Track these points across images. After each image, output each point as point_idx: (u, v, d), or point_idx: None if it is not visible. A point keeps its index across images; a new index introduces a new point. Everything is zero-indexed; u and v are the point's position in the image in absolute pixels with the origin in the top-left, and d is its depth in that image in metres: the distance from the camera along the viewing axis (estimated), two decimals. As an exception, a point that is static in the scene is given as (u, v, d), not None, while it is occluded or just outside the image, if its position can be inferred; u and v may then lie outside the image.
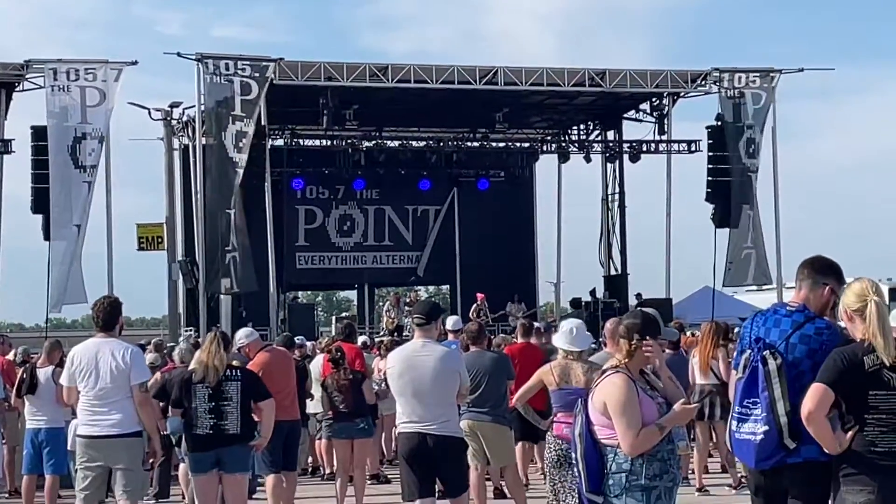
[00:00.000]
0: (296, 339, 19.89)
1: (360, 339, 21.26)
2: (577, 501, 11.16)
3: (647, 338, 7.70)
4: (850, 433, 6.88)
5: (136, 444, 11.69)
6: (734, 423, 7.44)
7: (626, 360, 7.70)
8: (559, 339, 11.91)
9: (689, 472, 16.52)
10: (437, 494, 11.39)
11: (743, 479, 14.89)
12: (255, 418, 12.21)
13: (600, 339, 17.62)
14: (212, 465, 11.92)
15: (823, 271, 7.67)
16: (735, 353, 7.87)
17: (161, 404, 13.96)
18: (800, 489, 7.44)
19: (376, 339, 25.57)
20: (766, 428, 7.27)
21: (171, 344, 22.51)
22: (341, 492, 16.00)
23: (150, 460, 12.18)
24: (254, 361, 14.68)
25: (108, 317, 11.78)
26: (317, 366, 18.12)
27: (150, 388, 12.95)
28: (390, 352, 12.08)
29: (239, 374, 12.09)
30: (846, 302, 7.10)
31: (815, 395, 6.85)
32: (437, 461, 10.90)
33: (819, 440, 6.89)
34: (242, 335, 15.65)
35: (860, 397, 6.84)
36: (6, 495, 18.07)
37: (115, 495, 11.97)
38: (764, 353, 7.34)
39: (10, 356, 19.76)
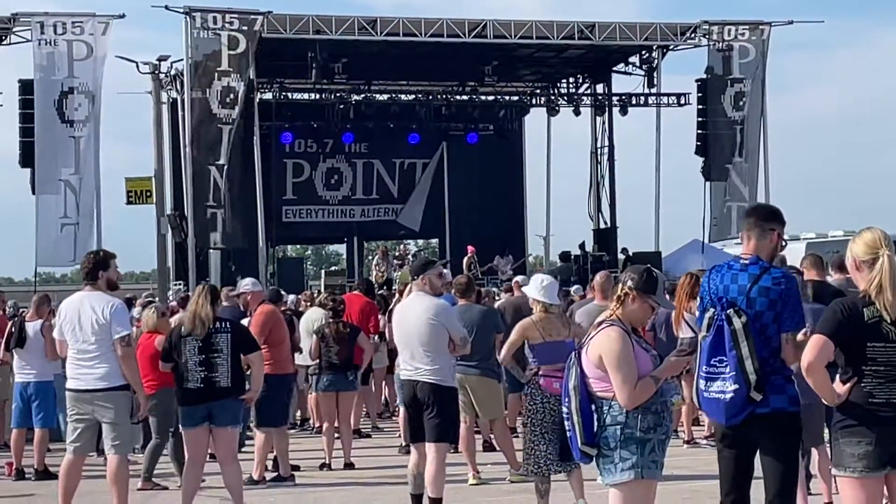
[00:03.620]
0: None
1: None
2: (554, 451, 11.32)
3: (641, 292, 7.73)
4: (847, 384, 6.89)
5: (121, 397, 11.72)
6: (702, 382, 7.50)
7: (619, 309, 7.73)
8: (533, 291, 12.10)
9: (679, 425, 16.59)
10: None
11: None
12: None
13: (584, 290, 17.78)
14: (202, 419, 11.94)
15: (768, 218, 7.86)
16: (697, 311, 7.93)
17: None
18: (769, 440, 7.52)
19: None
20: (736, 386, 7.36)
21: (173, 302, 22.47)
22: (328, 445, 16.08)
23: (138, 413, 12.19)
24: (258, 313, 14.79)
25: (91, 268, 11.81)
26: (307, 319, 18.15)
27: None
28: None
29: (228, 326, 12.12)
30: (855, 251, 7.05)
31: (814, 346, 6.86)
32: (423, 406, 11.48)
33: (818, 391, 6.92)
34: (248, 283, 15.75)
35: (859, 349, 6.85)
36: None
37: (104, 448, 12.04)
38: (728, 311, 7.41)
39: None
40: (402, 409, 17.27)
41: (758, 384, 7.34)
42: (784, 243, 7.87)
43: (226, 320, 12.31)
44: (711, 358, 7.45)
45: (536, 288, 12.01)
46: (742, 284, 7.57)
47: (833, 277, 13.37)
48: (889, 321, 6.80)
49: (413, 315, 11.57)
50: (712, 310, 7.55)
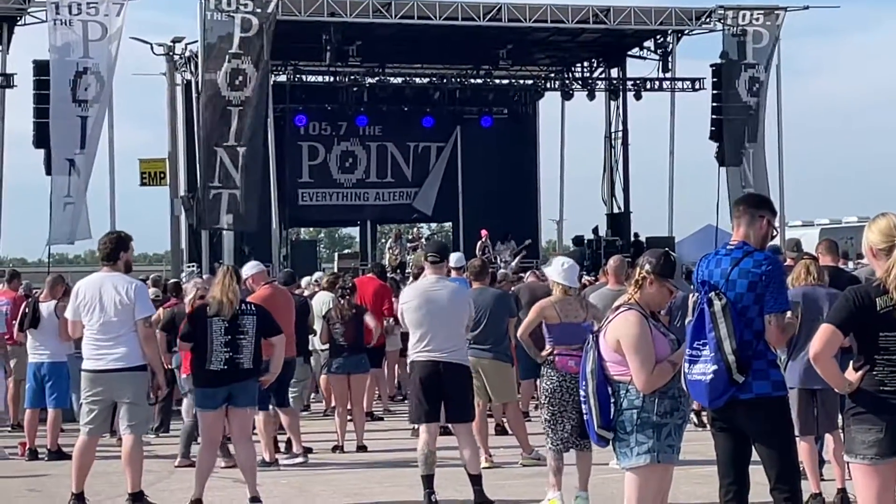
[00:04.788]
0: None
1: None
2: (576, 428, 11.34)
3: (659, 276, 7.73)
4: (859, 373, 6.86)
5: (140, 377, 11.75)
6: (686, 365, 7.52)
7: (637, 293, 7.72)
8: (553, 273, 12.15)
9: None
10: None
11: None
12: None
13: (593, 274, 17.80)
14: (223, 401, 11.90)
15: (758, 205, 7.92)
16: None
17: (168, 338, 14.02)
18: (754, 426, 7.53)
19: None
20: (715, 367, 7.38)
21: (174, 279, 22.49)
22: (341, 427, 16.11)
23: (156, 394, 12.22)
24: (256, 294, 14.71)
25: (111, 250, 11.82)
26: (318, 301, 18.16)
27: (156, 322, 13.01)
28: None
29: (254, 308, 12.10)
30: (872, 239, 7.01)
31: (822, 336, 6.83)
32: (445, 387, 11.72)
33: (827, 380, 6.91)
34: (250, 266, 15.74)
35: (871, 338, 6.82)
36: (9, 429, 18.17)
37: (119, 429, 12.07)
38: (709, 294, 7.43)
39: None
40: (415, 390, 17.31)
41: (740, 365, 7.35)
42: (775, 231, 7.90)
43: (251, 303, 12.32)
44: (694, 341, 7.50)
45: (557, 270, 12.05)
46: (724, 268, 7.63)
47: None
48: None
49: (441, 298, 11.84)
50: (696, 294, 7.59)
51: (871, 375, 6.84)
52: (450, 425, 12.37)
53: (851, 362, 6.93)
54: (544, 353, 11.83)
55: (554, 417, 11.68)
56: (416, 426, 16.86)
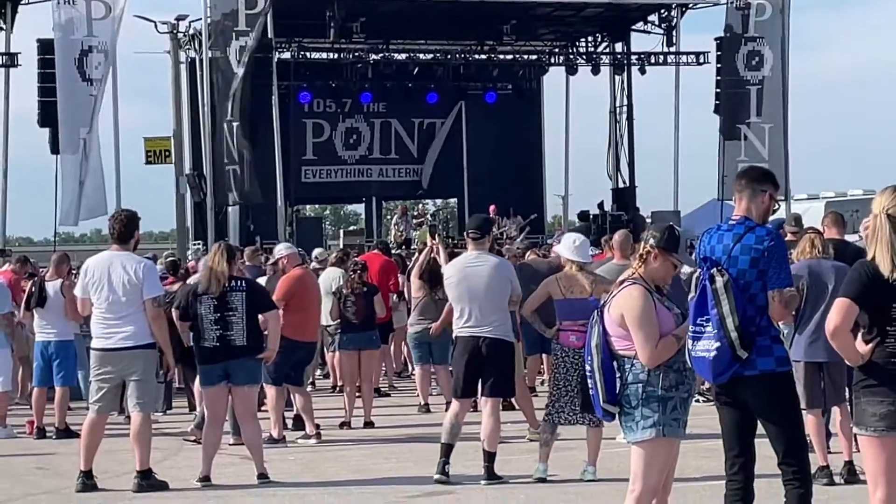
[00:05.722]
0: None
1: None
2: (574, 403, 11.40)
3: (663, 250, 7.72)
4: (870, 345, 6.85)
5: (149, 356, 11.79)
6: (689, 341, 7.51)
7: (641, 267, 7.72)
8: (563, 250, 12.19)
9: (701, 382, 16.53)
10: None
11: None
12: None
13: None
14: (220, 378, 11.99)
15: (760, 179, 7.84)
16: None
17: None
18: (759, 402, 7.53)
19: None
20: (718, 344, 7.37)
21: (172, 258, 22.47)
22: (350, 404, 16.13)
23: (165, 372, 12.26)
24: (287, 275, 14.78)
25: (124, 230, 11.85)
26: (325, 279, 18.15)
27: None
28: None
29: (244, 284, 12.13)
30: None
31: (840, 310, 6.81)
32: (486, 361, 11.74)
33: (842, 354, 6.89)
34: (283, 247, 15.77)
35: (883, 310, 6.81)
36: (21, 405, 18.19)
37: (127, 407, 12.10)
38: (711, 271, 7.42)
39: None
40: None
41: (743, 341, 7.35)
42: (777, 205, 7.86)
43: (241, 279, 12.33)
44: (697, 317, 7.49)
45: (569, 247, 12.05)
46: (726, 244, 7.59)
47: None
48: None
49: (481, 273, 11.88)
50: (699, 271, 7.58)
51: (882, 347, 6.83)
52: (481, 399, 12.31)
53: (860, 334, 6.92)
54: (553, 329, 11.88)
55: (556, 392, 11.80)
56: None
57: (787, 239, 11.52)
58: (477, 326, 11.83)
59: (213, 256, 12.12)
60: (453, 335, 12.67)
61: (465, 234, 13.23)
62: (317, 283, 15.89)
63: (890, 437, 6.79)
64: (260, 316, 12.13)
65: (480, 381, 11.93)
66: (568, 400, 11.62)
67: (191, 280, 15.24)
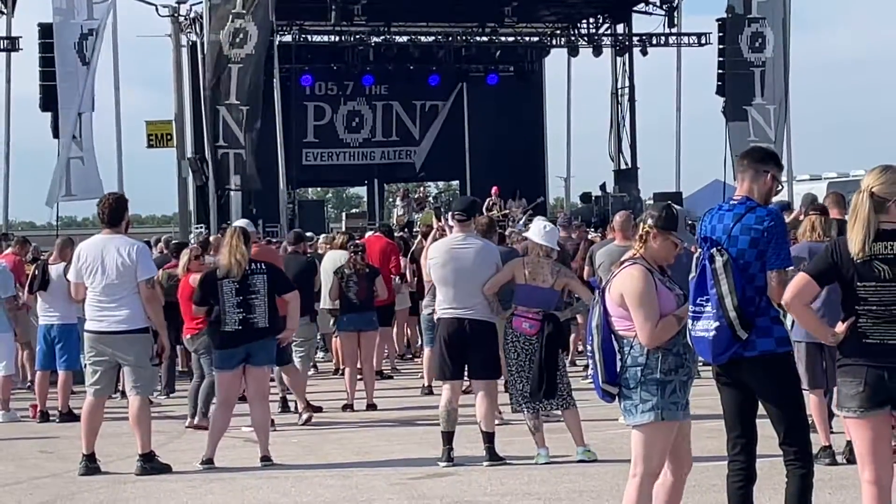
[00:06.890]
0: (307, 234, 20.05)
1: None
2: (526, 390, 11.43)
3: (662, 229, 7.70)
4: (844, 324, 6.87)
5: (142, 339, 11.78)
6: (689, 321, 7.49)
7: (642, 248, 7.70)
8: (534, 235, 12.13)
9: (701, 363, 16.53)
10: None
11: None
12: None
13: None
14: (240, 361, 12.01)
15: (763, 160, 7.79)
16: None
17: None
18: (759, 383, 7.52)
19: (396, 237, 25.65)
20: (718, 324, 7.35)
21: (174, 240, 22.47)
22: (350, 385, 16.13)
23: (160, 354, 12.26)
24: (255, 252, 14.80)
25: (114, 213, 11.84)
26: (329, 260, 18.07)
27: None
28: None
29: (264, 267, 12.15)
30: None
31: (794, 285, 6.92)
32: (470, 343, 11.72)
33: (805, 328, 7.01)
34: (241, 224, 15.76)
35: (850, 289, 6.83)
36: (25, 390, 18.20)
37: (125, 391, 12.11)
38: (711, 251, 7.40)
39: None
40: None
41: (742, 321, 7.34)
42: (780, 186, 7.83)
43: (261, 262, 12.35)
44: (697, 297, 7.46)
45: (539, 232, 12.04)
46: (726, 224, 7.56)
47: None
48: (881, 258, 6.74)
49: (467, 255, 11.86)
50: (699, 250, 7.56)
51: (855, 328, 6.84)
52: (470, 381, 12.36)
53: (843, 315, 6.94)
54: (506, 312, 11.89)
55: (512, 377, 11.90)
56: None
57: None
58: (461, 308, 11.80)
59: (230, 241, 12.08)
60: (435, 317, 12.66)
61: (451, 214, 13.12)
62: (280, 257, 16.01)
63: (868, 417, 6.80)
64: (278, 298, 12.15)
65: (467, 364, 11.92)
66: (524, 385, 11.67)
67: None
